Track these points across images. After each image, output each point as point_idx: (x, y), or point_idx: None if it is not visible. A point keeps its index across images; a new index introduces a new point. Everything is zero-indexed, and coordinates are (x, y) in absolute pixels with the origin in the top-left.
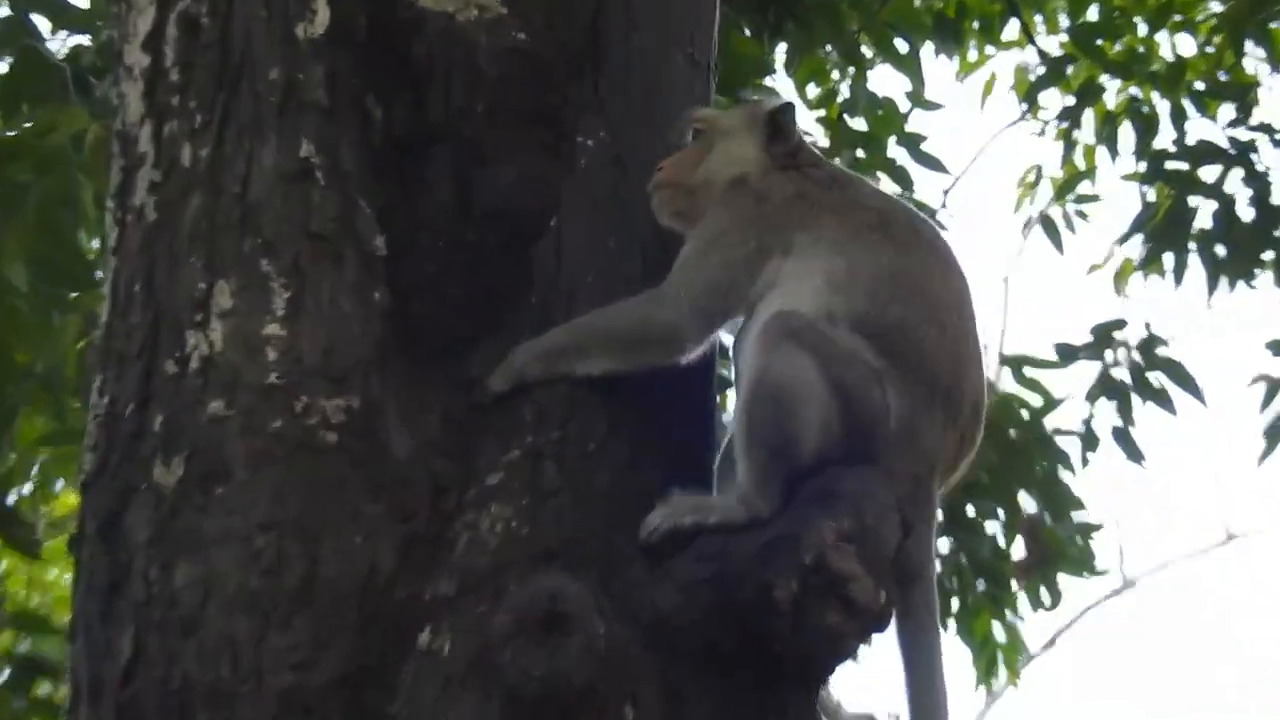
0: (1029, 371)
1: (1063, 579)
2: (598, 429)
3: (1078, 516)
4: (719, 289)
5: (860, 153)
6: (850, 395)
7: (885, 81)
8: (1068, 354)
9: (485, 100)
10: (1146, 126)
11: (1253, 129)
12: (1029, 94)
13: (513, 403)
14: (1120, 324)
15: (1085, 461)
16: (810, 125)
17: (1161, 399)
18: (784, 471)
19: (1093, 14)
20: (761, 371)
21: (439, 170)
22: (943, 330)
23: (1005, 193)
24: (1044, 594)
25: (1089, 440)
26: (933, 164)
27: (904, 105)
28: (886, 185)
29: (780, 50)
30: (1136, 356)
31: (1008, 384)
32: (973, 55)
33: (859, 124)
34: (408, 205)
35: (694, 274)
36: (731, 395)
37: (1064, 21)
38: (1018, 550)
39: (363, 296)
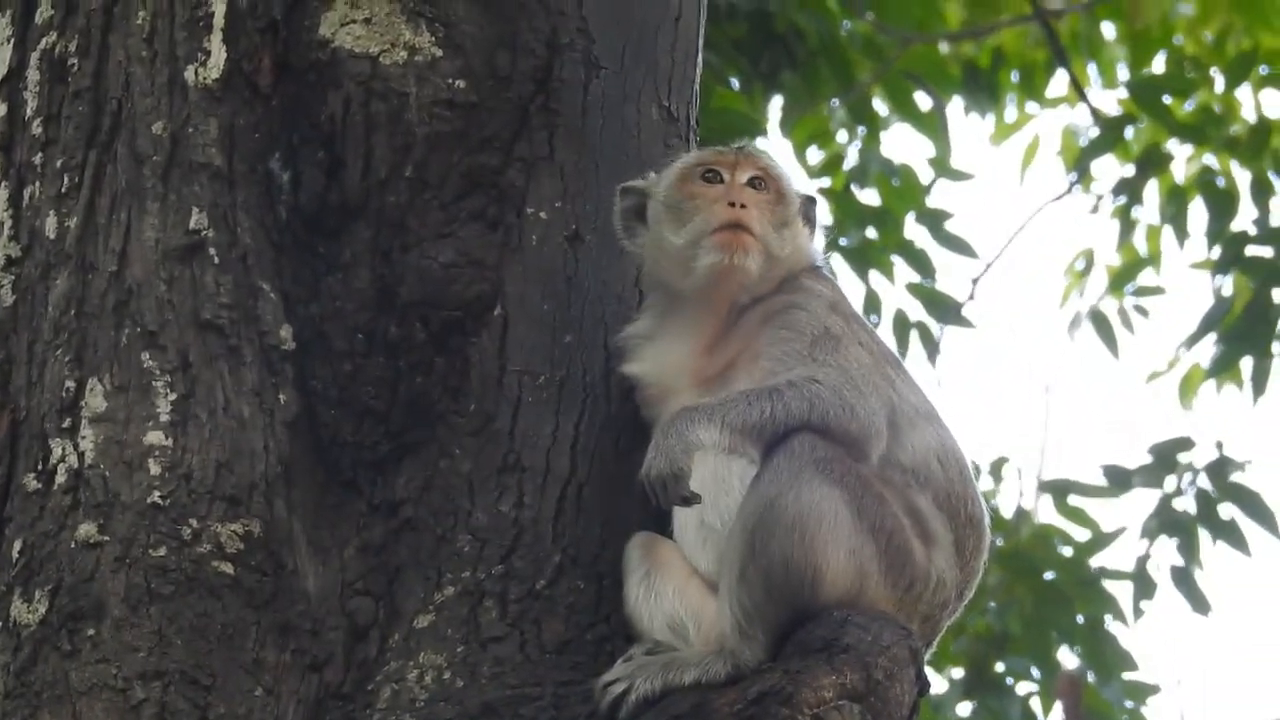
0: (1073, 500)
1: None
2: (548, 564)
3: (1128, 676)
4: (883, 392)
5: (872, 232)
6: (889, 543)
7: (903, 145)
8: (1120, 479)
9: (414, 163)
10: (1222, 203)
11: None
12: (1079, 162)
13: (447, 529)
14: (1186, 444)
15: (1139, 611)
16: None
17: (1233, 536)
18: (781, 617)
19: (1158, 64)
20: (777, 495)
21: (358, 248)
22: (954, 454)
23: (1049, 283)
24: None
25: (1144, 585)
26: (960, 247)
27: (925, 174)
28: (903, 272)
29: (775, 104)
30: (1205, 483)
31: (1047, 514)
32: (1011, 114)
33: (870, 196)
34: (320, 290)
35: (860, 368)
36: None
37: (1123, 74)
38: (1055, 717)
39: (264, 400)
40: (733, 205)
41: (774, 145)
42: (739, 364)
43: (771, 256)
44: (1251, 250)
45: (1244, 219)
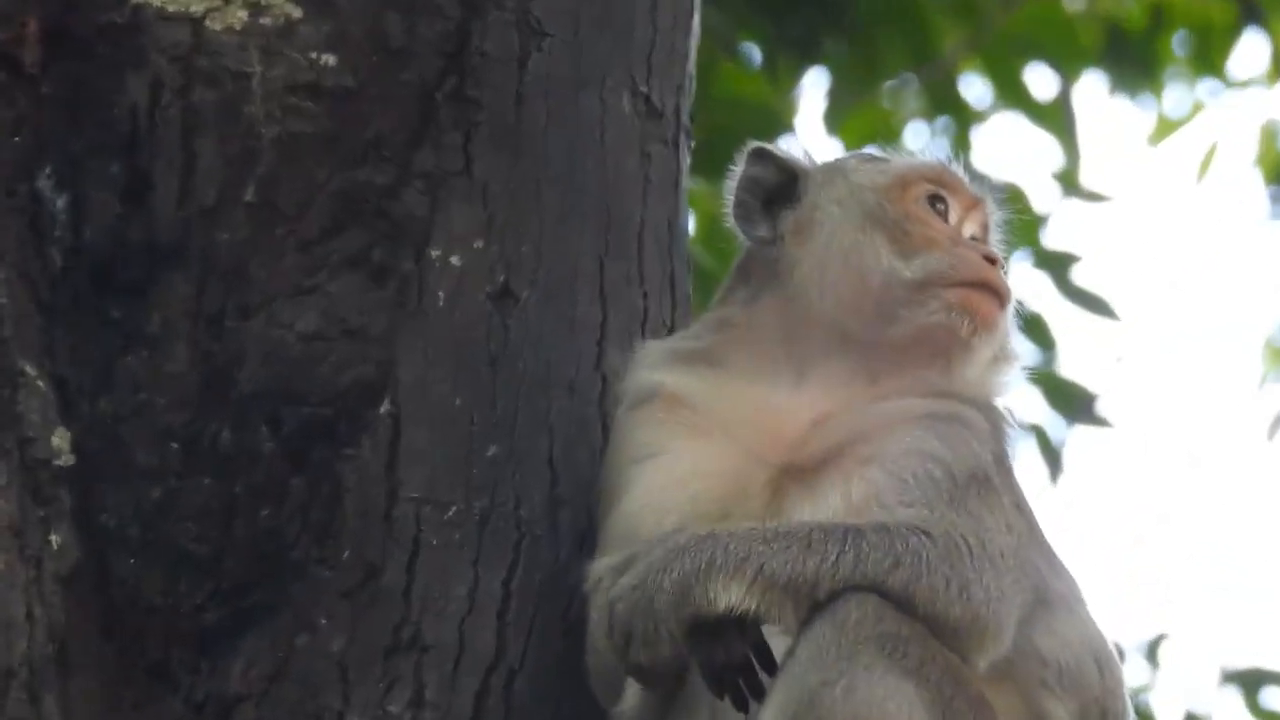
0: (1272, 696)
1: None
2: None
3: None
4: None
5: None
6: None
7: (1009, 149)
8: None
9: (259, 181)
10: None
11: None
12: None
13: None
14: None
15: None
16: None
17: None
18: None
19: None
20: (820, 687)
21: (172, 313)
22: (1113, 661)
23: (1234, 358)
24: None
25: None
26: (1094, 304)
27: (1044, 195)
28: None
29: (813, 87)
30: None
31: None
32: (1178, 101)
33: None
34: (114, 377)
35: (1006, 538)
36: None
37: None
38: None
39: (27, 544)
40: (992, 262)
41: (813, 143)
42: (842, 459)
43: (1004, 351)
44: None
45: None
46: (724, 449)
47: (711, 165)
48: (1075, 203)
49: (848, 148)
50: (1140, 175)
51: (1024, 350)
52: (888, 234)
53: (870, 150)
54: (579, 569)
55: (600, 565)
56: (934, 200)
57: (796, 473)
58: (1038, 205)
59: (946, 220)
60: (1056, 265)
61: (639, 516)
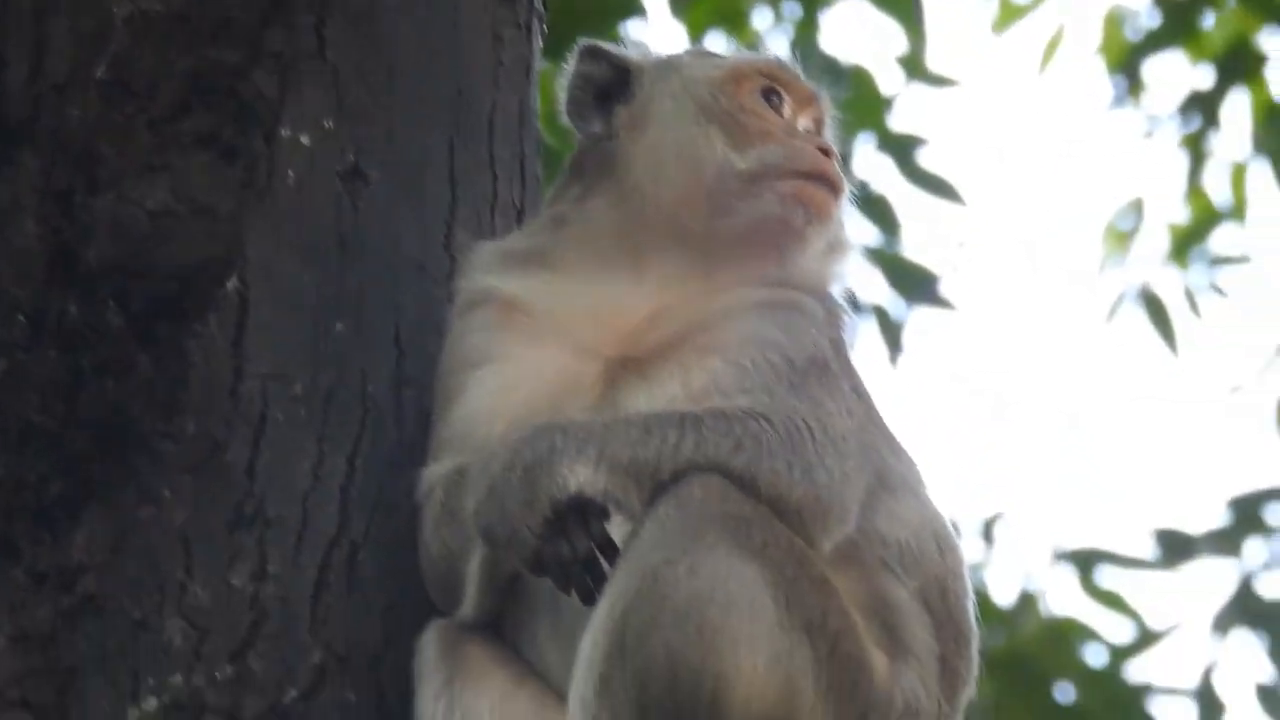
0: (1105, 576)
1: None
2: (303, 665)
3: None
4: (869, 457)
5: None
6: (833, 649)
7: (855, 34)
8: (1179, 547)
9: (110, 59)
10: None
11: None
12: (1127, 63)
13: (149, 611)
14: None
15: None
16: None
17: None
18: None
19: None
20: (661, 565)
21: (20, 188)
22: (953, 541)
23: (1075, 246)
24: None
25: (1210, 708)
26: (939, 189)
27: (889, 80)
28: (852, 226)
29: None
30: None
31: (1065, 599)
32: None
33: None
34: None
35: (845, 421)
36: None
37: None
38: None
39: None
40: (826, 154)
41: (658, 34)
42: (680, 350)
43: (837, 241)
44: None
45: None
46: (558, 350)
47: (562, 48)
48: (921, 88)
49: (693, 32)
50: (986, 62)
51: (867, 232)
52: (721, 127)
53: (703, 47)
54: (424, 446)
55: (432, 473)
56: (768, 94)
57: (632, 365)
58: (884, 89)
59: (781, 114)
60: (901, 148)
61: (470, 422)
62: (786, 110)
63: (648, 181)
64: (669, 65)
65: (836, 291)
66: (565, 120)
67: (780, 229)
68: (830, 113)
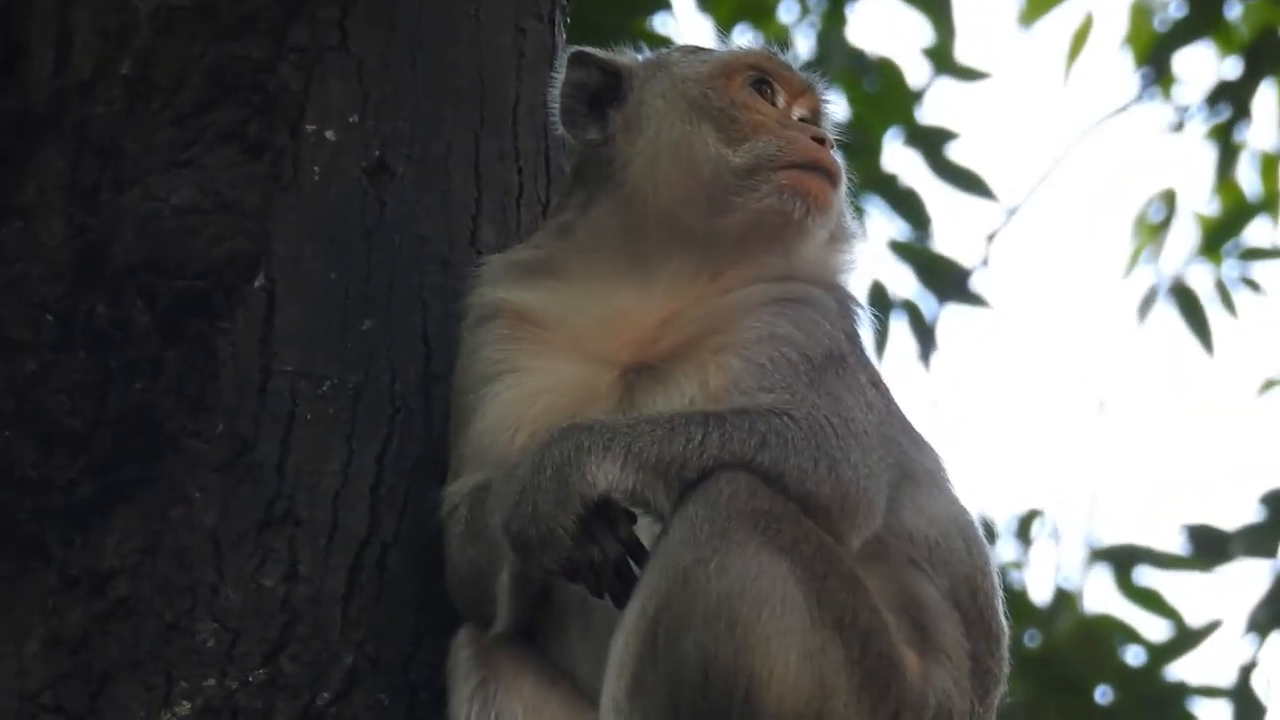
0: (1142, 575)
1: None
2: (335, 667)
3: None
4: (891, 451)
5: None
6: (865, 648)
7: (883, 28)
8: (1214, 545)
9: (135, 54)
10: None
11: None
12: (1155, 55)
13: (180, 613)
14: None
15: None
16: None
17: None
18: None
19: None
20: (693, 565)
21: (46, 185)
22: (980, 539)
23: (1106, 241)
24: None
25: (1248, 708)
26: (970, 184)
27: (918, 73)
28: (882, 222)
29: None
30: None
31: (1101, 597)
32: None
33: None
34: None
35: (866, 415)
36: None
37: None
38: None
39: None
40: (821, 143)
41: (683, 28)
42: (695, 352)
43: (841, 230)
44: None
45: None
46: (572, 359)
47: (585, 41)
48: (950, 82)
49: (720, 25)
50: (1015, 55)
51: (898, 227)
52: (714, 123)
53: (692, 44)
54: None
55: (454, 491)
56: (760, 86)
57: (647, 370)
58: (913, 82)
59: (775, 104)
60: (931, 142)
61: (490, 435)
62: (780, 101)
63: (646, 185)
64: (658, 65)
65: (845, 281)
66: (560, 130)
67: (780, 221)
68: (826, 100)
